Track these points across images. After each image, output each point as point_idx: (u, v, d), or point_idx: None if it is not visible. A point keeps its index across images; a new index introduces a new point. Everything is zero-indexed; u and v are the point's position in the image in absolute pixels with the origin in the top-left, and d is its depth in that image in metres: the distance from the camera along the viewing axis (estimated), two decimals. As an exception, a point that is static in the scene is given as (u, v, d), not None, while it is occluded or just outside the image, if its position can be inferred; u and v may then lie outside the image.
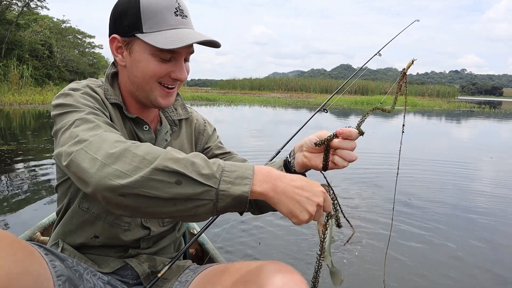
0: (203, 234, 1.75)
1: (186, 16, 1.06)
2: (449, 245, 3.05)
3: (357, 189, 4.60)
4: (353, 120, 15.76)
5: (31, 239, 1.75)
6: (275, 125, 12.75)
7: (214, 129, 1.42)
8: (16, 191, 3.99)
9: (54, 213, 1.34)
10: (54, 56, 28.51)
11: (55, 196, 1.37)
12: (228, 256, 2.68)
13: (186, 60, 1.11)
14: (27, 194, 3.90)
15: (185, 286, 1.11)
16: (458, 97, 65.70)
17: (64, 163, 0.87)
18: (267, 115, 17.33)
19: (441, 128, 14.77)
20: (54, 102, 1.03)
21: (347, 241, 1.03)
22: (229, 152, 1.38)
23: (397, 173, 1.44)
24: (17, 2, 24.65)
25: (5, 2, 23.52)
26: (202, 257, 1.78)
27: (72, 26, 35.63)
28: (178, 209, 0.80)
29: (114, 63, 1.16)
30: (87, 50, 40.20)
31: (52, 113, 1.03)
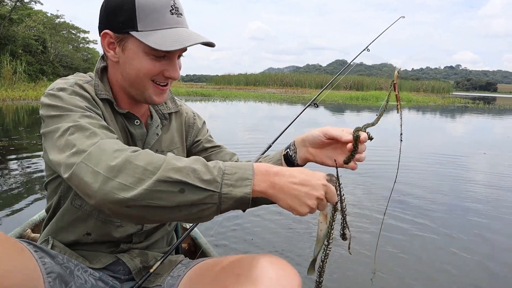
0: (195, 229, 1.75)
1: (181, 15, 1.05)
2: (439, 238, 3.07)
3: (353, 182, 4.61)
4: (348, 115, 15.79)
5: (21, 236, 1.74)
6: (270, 120, 12.74)
7: (204, 122, 1.42)
8: (7, 188, 3.96)
9: (44, 210, 1.33)
10: (48, 51, 28.29)
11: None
12: (221, 251, 2.68)
13: (179, 57, 1.10)
14: (19, 191, 3.88)
15: (177, 281, 1.11)
16: (453, 93, 65.93)
17: (65, 176, 0.87)
18: (262, 111, 17.32)
19: (435, 123, 14.83)
20: (43, 100, 1.01)
21: (349, 248, 1.02)
22: (218, 146, 1.39)
23: (395, 182, 1.45)
24: (10, -4, 24.44)
25: (-3, -3, 23.31)
26: (195, 251, 1.77)
27: (66, 21, 35.37)
28: (183, 214, 0.82)
29: (103, 57, 1.14)
30: (81, 45, 39.87)
31: (41, 111, 1.01)
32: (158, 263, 1.15)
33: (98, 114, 1.03)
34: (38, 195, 3.71)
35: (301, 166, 1.21)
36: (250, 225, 3.22)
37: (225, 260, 1.02)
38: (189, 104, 1.41)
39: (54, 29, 32.13)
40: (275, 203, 0.87)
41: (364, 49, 1.66)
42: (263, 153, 1.40)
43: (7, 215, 3.19)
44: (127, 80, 1.08)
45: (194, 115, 1.39)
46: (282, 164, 1.23)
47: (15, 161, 5.17)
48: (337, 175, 0.94)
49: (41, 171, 4.59)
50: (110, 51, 1.07)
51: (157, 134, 1.23)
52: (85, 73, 1.18)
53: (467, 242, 3.04)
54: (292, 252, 2.74)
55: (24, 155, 5.52)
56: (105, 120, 1.07)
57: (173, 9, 1.02)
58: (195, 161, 0.84)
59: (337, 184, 0.94)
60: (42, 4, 37.71)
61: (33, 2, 27.01)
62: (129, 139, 1.17)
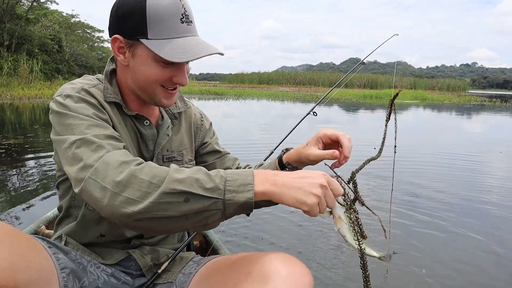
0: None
1: (191, 22, 1.06)
2: (455, 237, 3.04)
3: (365, 181, 4.59)
4: (362, 113, 15.67)
5: (36, 232, 1.77)
6: (283, 118, 12.72)
7: (211, 123, 1.44)
8: (22, 185, 4.03)
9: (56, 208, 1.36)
10: (63, 50, 28.66)
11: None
12: (232, 247, 2.68)
13: (187, 62, 1.11)
14: (33, 188, 3.93)
15: (189, 278, 1.12)
16: (469, 91, 64.96)
17: (76, 190, 0.90)
18: (275, 109, 17.30)
19: (451, 122, 14.65)
20: (51, 106, 1.04)
21: (387, 238, 1.01)
22: (223, 152, 1.42)
23: (392, 189, 1.44)
24: (26, -4, 24.80)
25: (15, -3, 23.66)
26: (207, 248, 1.78)
27: (81, 21, 35.80)
28: (190, 222, 0.85)
29: (113, 59, 1.16)
30: (96, 44, 40.32)
31: (50, 116, 1.04)
32: (166, 263, 1.18)
33: (105, 120, 1.04)
34: (52, 192, 3.76)
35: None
36: (261, 222, 3.22)
37: (236, 257, 1.03)
38: (202, 103, 1.43)
39: (69, 28, 32.57)
40: (274, 204, 0.88)
41: (360, 63, 1.74)
42: (265, 159, 1.46)
43: (22, 212, 3.24)
44: (137, 84, 1.10)
45: (202, 116, 1.41)
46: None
47: (30, 159, 5.24)
48: (337, 177, 0.97)
49: (55, 168, 4.65)
50: (120, 55, 1.08)
51: (168, 135, 1.24)
52: (100, 72, 1.19)
53: (483, 242, 2.99)
54: (304, 249, 2.74)
55: (39, 153, 5.60)
56: (113, 124, 1.08)
57: (183, 17, 1.03)
58: (197, 171, 0.87)
59: (336, 176, 0.97)
60: (57, 3, 38.24)
61: (49, 2, 27.45)
62: (139, 140, 1.18)
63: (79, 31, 35.87)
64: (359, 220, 0.96)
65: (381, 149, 1.13)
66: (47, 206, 3.31)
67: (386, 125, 1.12)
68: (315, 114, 1.63)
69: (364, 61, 1.78)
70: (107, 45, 40.64)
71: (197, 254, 1.33)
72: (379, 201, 3.87)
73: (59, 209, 1.23)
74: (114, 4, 1.06)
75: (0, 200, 3.54)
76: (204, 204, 0.83)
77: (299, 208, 0.87)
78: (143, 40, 1.01)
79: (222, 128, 9.16)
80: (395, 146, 1.13)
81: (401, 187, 4.44)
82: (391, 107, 1.11)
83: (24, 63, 20.99)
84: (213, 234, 1.81)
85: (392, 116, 1.12)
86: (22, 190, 3.84)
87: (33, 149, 5.80)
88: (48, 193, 3.74)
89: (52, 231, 1.69)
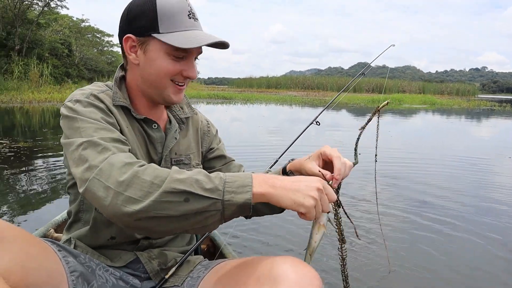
0: (214, 230, 1.76)
1: (197, 19, 1.13)
2: (461, 241, 3.02)
3: (371, 184, 4.57)
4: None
5: (45, 235, 1.78)
6: (291, 123, 12.70)
7: (217, 130, 1.47)
8: (32, 188, 4.06)
9: (66, 211, 1.37)
10: (73, 54, 28.91)
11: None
12: (239, 251, 2.68)
13: (195, 59, 1.16)
14: (42, 191, 3.97)
15: (197, 282, 1.12)
16: (479, 96, 64.43)
17: (80, 190, 0.92)
18: (283, 114, 17.28)
19: (460, 126, 14.53)
20: (62, 111, 1.07)
21: (357, 235, 1.08)
22: (230, 157, 1.45)
23: (376, 187, 1.44)
24: (37, 2, 25.07)
25: (26, 2, 23.93)
26: (214, 252, 1.78)
27: (91, 25, 36.12)
28: (190, 222, 0.87)
29: (122, 66, 1.21)
30: (105, 48, 40.63)
31: (60, 121, 1.08)
32: (173, 269, 1.19)
33: (113, 124, 1.07)
34: (61, 196, 3.79)
35: None
36: (269, 224, 3.21)
37: (244, 261, 1.04)
38: (210, 107, 1.45)
39: (79, 33, 32.88)
40: (276, 213, 0.89)
41: (361, 73, 1.80)
42: (270, 167, 1.49)
43: (32, 215, 3.27)
44: (148, 81, 1.13)
45: (208, 123, 1.44)
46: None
47: (40, 162, 5.29)
48: (335, 187, 1.01)
49: (64, 172, 4.69)
50: (132, 54, 1.12)
51: (176, 139, 1.26)
52: (109, 76, 1.22)
53: (491, 246, 2.96)
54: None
55: (49, 156, 5.65)
56: (120, 127, 1.11)
57: (190, 14, 1.10)
58: (198, 173, 0.90)
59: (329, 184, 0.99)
60: (68, 8, 38.67)
61: (59, 7, 27.68)
62: (148, 143, 1.20)
63: (89, 36, 36.20)
64: (341, 226, 1.02)
65: (355, 155, 1.20)
66: (56, 209, 3.32)
67: (360, 133, 1.19)
68: (318, 123, 1.66)
69: (372, 64, 1.87)
70: (117, 49, 41.00)
71: (204, 258, 1.33)
72: (384, 206, 3.85)
73: (69, 214, 1.24)
74: (125, 8, 1.12)
75: (9, 203, 3.58)
76: (204, 205, 0.85)
77: (297, 210, 0.90)
78: (155, 35, 1.06)
79: (229, 132, 9.18)
80: (375, 155, 1.15)
81: (410, 190, 4.43)
82: (374, 115, 1.17)
83: (34, 67, 21.23)
84: (221, 238, 1.82)
85: (375, 124, 1.16)
86: (31, 193, 3.87)
87: (42, 153, 5.85)
88: (57, 196, 3.78)
89: (61, 235, 1.71)
